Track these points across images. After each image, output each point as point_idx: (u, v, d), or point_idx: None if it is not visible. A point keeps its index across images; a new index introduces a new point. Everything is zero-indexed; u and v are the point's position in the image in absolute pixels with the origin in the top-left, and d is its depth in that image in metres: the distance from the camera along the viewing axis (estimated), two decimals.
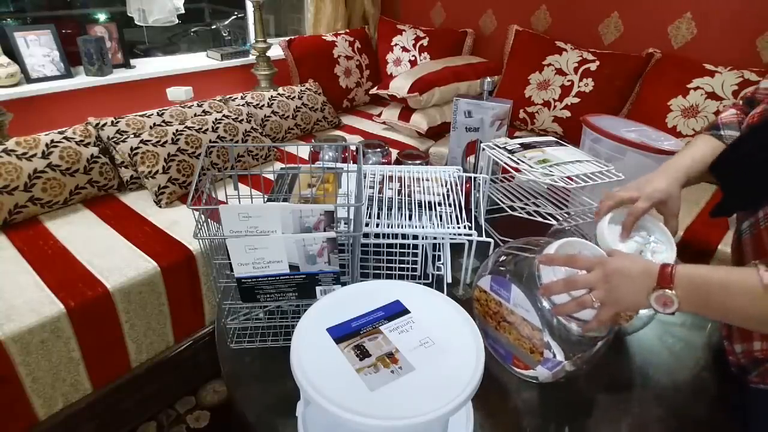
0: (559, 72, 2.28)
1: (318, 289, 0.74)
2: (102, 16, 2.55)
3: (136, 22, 2.38)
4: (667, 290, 0.56)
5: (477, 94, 1.38)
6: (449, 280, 0.87)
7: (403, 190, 0.95)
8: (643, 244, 0.75)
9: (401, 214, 0.89)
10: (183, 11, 2.49)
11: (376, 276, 0.91)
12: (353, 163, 1.15)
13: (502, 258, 0.73)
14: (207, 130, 1.81)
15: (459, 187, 0.95)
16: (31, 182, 1.47)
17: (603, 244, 0.73)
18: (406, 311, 0.63)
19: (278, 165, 2.03)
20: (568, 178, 0.96)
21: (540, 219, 1.03)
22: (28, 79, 2.02)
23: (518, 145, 1.08)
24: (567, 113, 2.25)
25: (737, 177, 0.71)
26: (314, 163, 1.09)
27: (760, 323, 0.56)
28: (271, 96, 2.23)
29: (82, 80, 2.13)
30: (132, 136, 1.68)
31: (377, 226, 0.85)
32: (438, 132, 2.40)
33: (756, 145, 0.68)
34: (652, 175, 0.81)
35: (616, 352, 0.83)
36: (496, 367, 0.76)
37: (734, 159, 0.71)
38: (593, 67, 2.20)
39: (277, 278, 0.72)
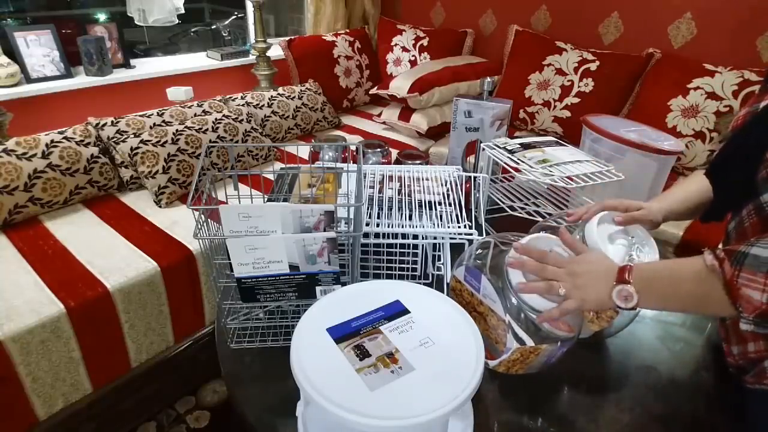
0: (559, 72, 2.28)
1: (318, 289, 0.74)
2: (102, 16, 2.55)
3: (136, 22, 2.39)
4: (626, 285, 0.61)
5: (477, 94, 1.38)
6: (449, 281, 0.87)
7: (403, 190, 0.95)
8: (627, 246, 0.76)
9: (401, 214, 0.89)
10: (183, 11, 2.49)
11: (376, 276, 0.91)
12: (353, 163, 1.15)
13: (479, 251, 0.75)
14: (207, 130, 1.81)
15: (459, 187, 0.95)
16: (31, 182, 1.47)
17: (591, 243, 0.74)
18: (406, 311, 0.63)
19: (278, 165, 2.02)
20: (568, 178, 0.96)
21: (540, 219, 1.04)
22: (28, 79, 2.01)
23: (518, 145, 1.08)
24: (567, 113, 2.25)
25: (722, 178, 0.73)
26: (314, 163, 1.09)
27: (708, 304, 0.59)
28: (271, 96, 2.23)
29: (82, 80, 2.13)
30: (132, 136, 1.68)
31: (377, 226, 0.85)
32: (438, 132, 2.40)
33: (736, 145, 0.70)
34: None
35: (616, 351, 0.83)
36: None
37: (719, 162, 0.73)
38: (593, 67, 2.20)
39: (277, 278, 0.72)
